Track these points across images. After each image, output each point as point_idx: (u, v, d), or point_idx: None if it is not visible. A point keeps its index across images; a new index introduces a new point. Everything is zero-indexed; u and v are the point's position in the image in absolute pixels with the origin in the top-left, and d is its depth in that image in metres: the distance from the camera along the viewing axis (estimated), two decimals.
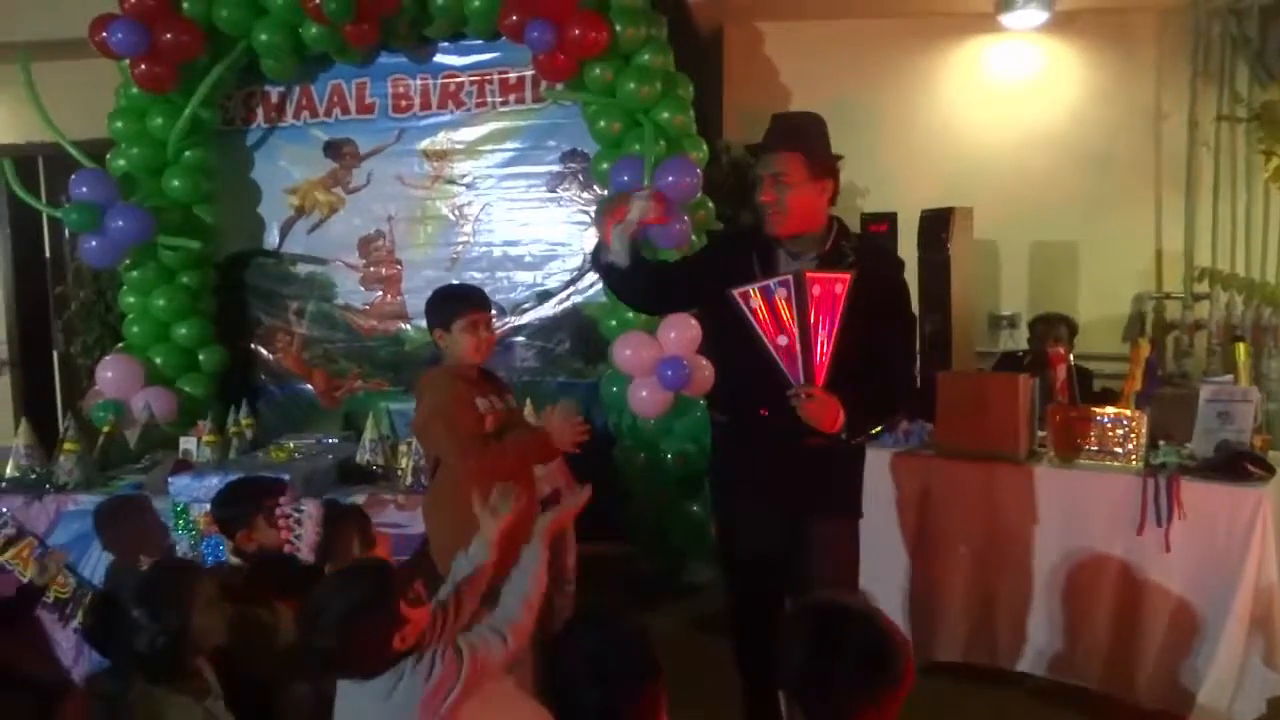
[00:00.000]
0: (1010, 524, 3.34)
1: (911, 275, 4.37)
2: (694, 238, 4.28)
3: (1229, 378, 3.65)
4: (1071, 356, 3.96)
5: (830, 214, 2.54)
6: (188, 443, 3.92)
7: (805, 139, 2.49)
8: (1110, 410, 3.35)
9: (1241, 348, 3.69)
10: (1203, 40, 4.98)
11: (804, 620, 1.56)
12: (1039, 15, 4.97)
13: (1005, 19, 5.01)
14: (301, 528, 2.54)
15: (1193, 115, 5.01)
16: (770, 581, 2.64)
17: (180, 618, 2.05)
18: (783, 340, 2.32)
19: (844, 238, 2.53)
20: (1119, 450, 3.30)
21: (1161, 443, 3.39)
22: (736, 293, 2.36)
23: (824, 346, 2.30)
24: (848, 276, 2.30)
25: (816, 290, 2.29)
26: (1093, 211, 5.09)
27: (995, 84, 5.22)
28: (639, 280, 2.66)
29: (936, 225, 4.66)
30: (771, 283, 2.32)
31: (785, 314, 2.31)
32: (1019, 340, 5.02)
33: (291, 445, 4.01)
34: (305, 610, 1.82)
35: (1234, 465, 3.17)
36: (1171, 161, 5.07)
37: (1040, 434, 3.51)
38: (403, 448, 3.74)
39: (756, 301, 2.33)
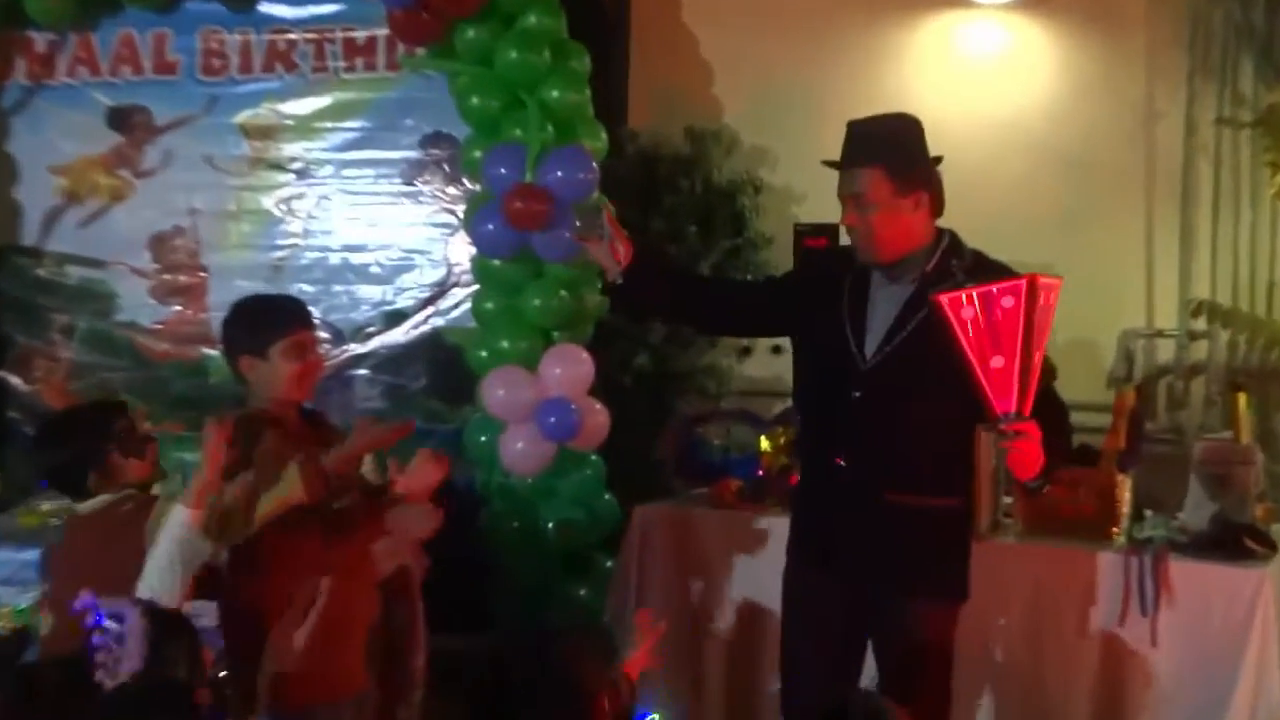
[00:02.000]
0: (969, 609, 3.30)
1: None
2: None
3: (1228, 434, 3.83)
4: None
5: (937, 226, 2.75)
6: None
7: (886, 148, 2.66)
8: (1089, 473, 3.48)
9: (1243, 398, 3.84)
10: (1201, 28, 5.15)
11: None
12: None
13: None
14: (123, 647, 2.39)
15: (1190, 117, 5.17)
16: (833, 670, 2.81)
17: None
18: (998, 361, 2.36)
19: (954, 254, 2.70)
20: (1098, 523, 3.45)
21: (1148, 513, 3.52)
22: (945, 298, 2.41)
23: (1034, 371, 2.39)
24: (1057, 283, 2.42)
25: (1045, 300, 2.38)
26: (1072, 228, 5.19)
27: (958, 71, 5.32)
28: (673, 295, 2.97)
29: None
30: (994, 288, 2.39)
31: (1008, 328, 2.35)
32: None
33: (46, 507, 3.93)
34: None
35: (1231, 541, 3.32)
36: (1166, 171, 5.22)
37: (1006, 501, 3.63)
38: None
39: (971, 310, 2.38)
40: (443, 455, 2.78)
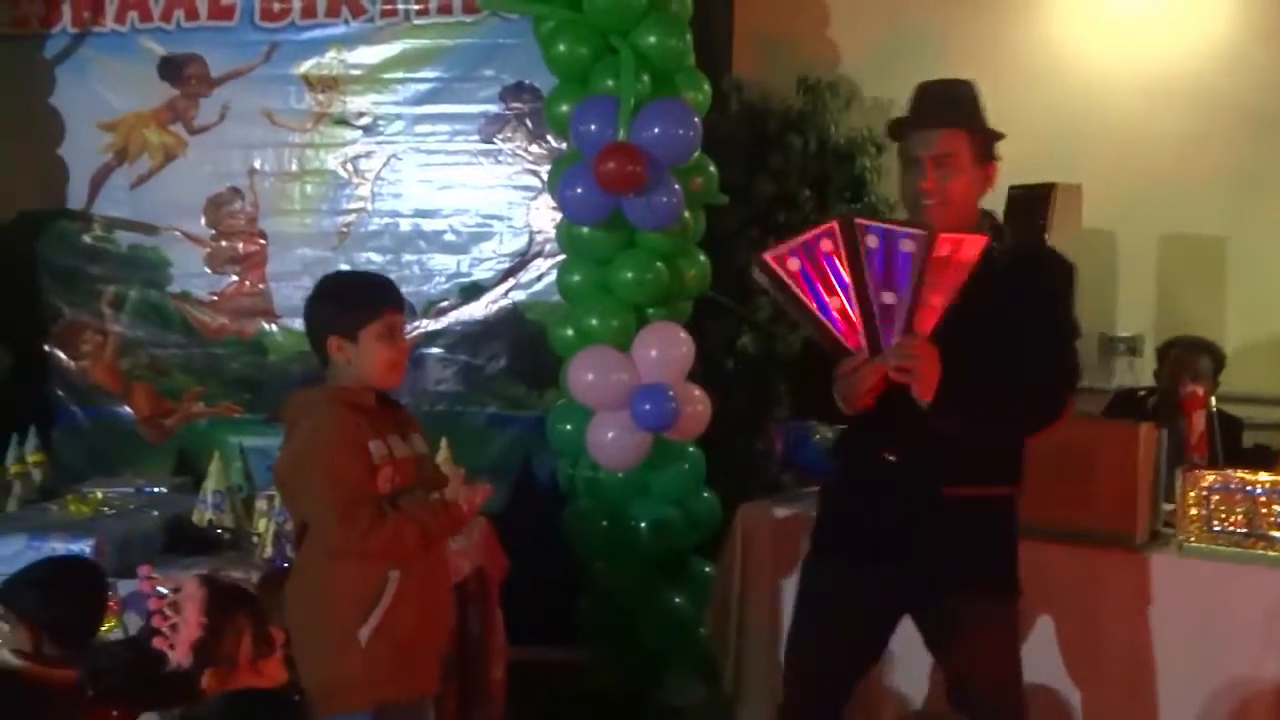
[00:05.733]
0: (1121, 633, 3.39)
1: None
2: (687, 213, 4.37)
3: None
4: (1214, 399, 4.07)
5: (980, 208, 2.91)
6: None
7: (969, 114, 2.87)
8: (1266, 477, 3.41)
9: None
10: None
11: None
12: None
13: None
14: (180, 615, 2.51)
15: None
16: (843, 678, 3.01)
17: None
18: (889, 298, 2.65)
19: (996, 238, 2.81)
20: (1278, 535, 3.35)
21: None
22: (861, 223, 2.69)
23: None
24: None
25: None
26: (1250, 194, 5.15)
27: (1115, 11, 5.27)
28: None
29: (1028, 209, 4.67)
30: (900, 229, 2.67)
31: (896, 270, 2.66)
32: (1142, 374, 5.10)
33: (99, 495, 4.00)
34: None
35: None
36: None
37: (1167, 508, 3.57)
38: (261, 503, 3.79)
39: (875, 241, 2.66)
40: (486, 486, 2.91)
